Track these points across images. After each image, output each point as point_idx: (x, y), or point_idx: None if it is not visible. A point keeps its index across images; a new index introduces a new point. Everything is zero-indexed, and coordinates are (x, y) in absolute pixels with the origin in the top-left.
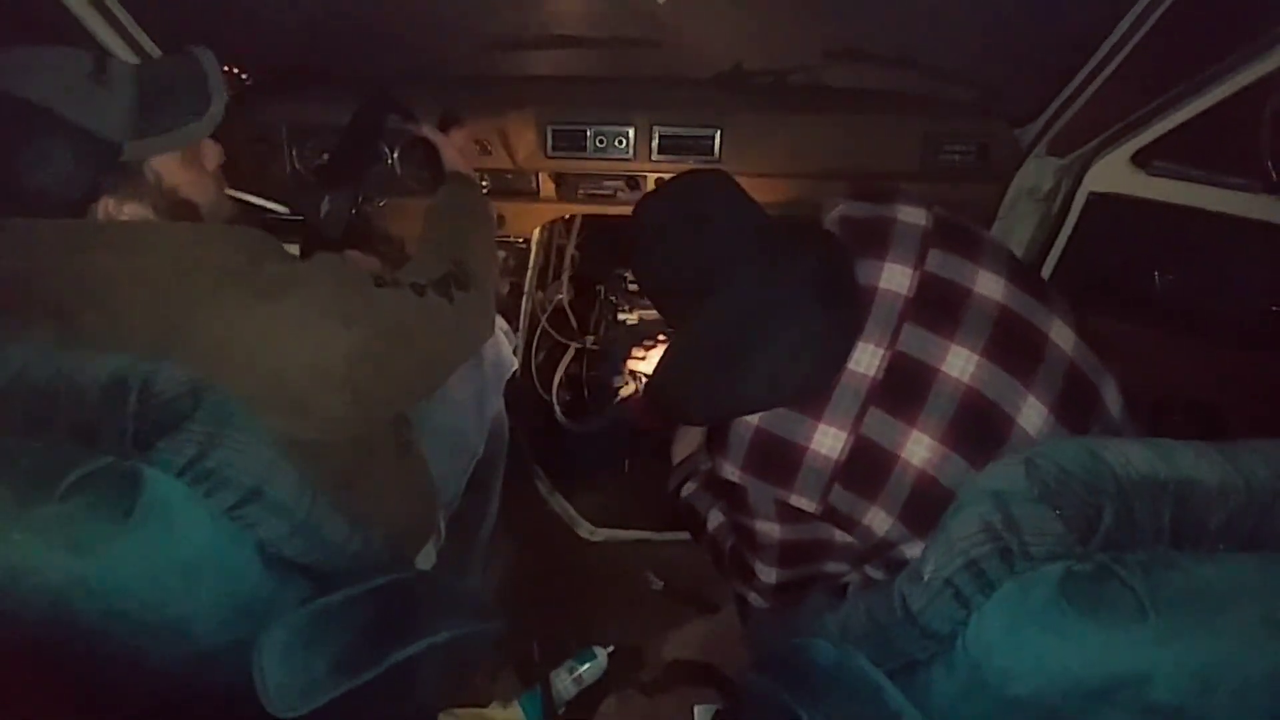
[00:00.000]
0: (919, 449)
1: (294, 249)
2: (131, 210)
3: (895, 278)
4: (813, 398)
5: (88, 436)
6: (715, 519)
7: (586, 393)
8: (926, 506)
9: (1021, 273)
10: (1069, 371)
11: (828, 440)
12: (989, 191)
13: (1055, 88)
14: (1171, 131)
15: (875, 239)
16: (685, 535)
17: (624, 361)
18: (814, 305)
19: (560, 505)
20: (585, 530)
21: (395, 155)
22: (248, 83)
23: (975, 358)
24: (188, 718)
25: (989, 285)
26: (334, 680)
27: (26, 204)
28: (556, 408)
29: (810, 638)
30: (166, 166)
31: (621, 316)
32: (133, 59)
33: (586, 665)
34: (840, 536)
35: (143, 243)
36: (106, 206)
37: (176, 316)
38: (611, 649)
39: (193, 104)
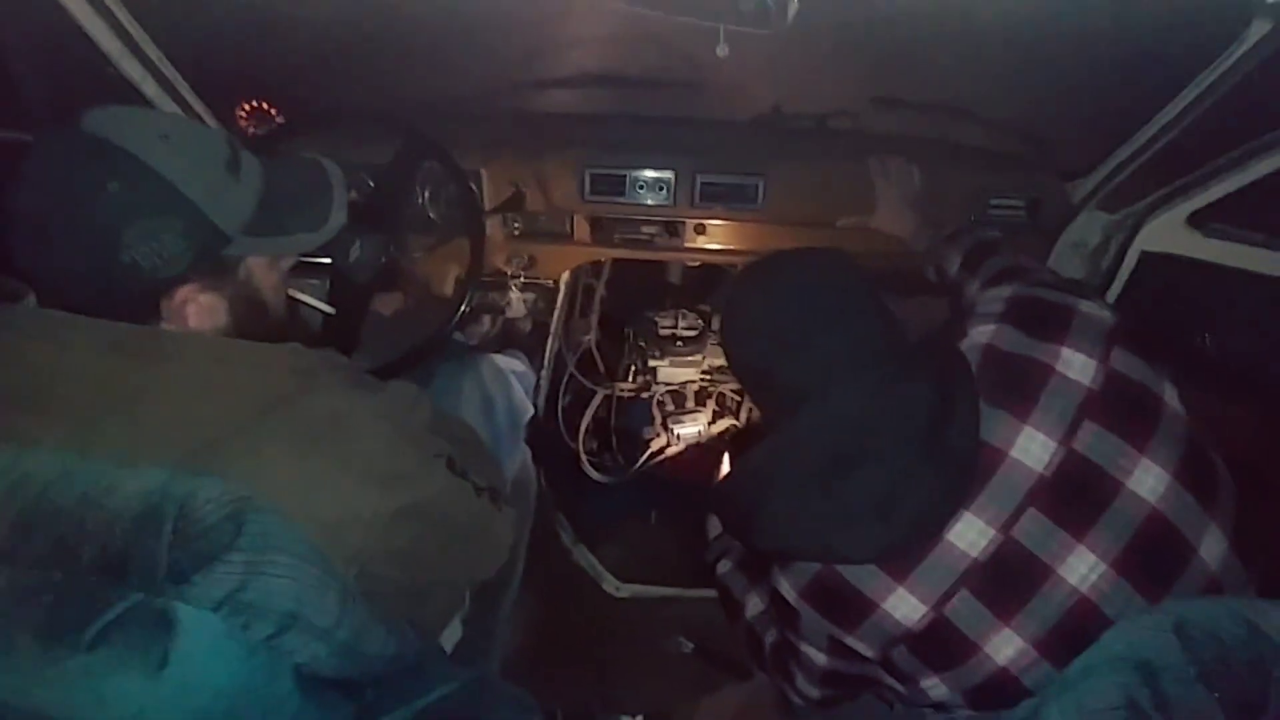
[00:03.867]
0: (1006, 648)
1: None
2: (208, 300)
3: (1034, 448)
4: (897, 558)
5: (117, 570)
6: (754, 606)
7: (615, 441)
8: (1000, 697)
9: (1193, 461)
10: (1207, 589)
11: (904, 608)
12: (1035, 244)
13: (1113, 144)
14: (1233, 193)
15: (1021, 389)
16: (716, 594)
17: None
18: (917, 456)
19: (585, 558)
20: (611, 585)
21: (426, 195)
22: (280, 120)
23: (1102, 567)
24: None
25: (1147, 480)
26: None
27: (114, 276)
28: (584, 457)
29: None
30: (259, 265)
31: (652, 363)
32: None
33: None
34: (891, 680)
35: (187, 353)
36: (186, 293)
37: (208, 438)
38: (640, 719)
39: (310, 215)
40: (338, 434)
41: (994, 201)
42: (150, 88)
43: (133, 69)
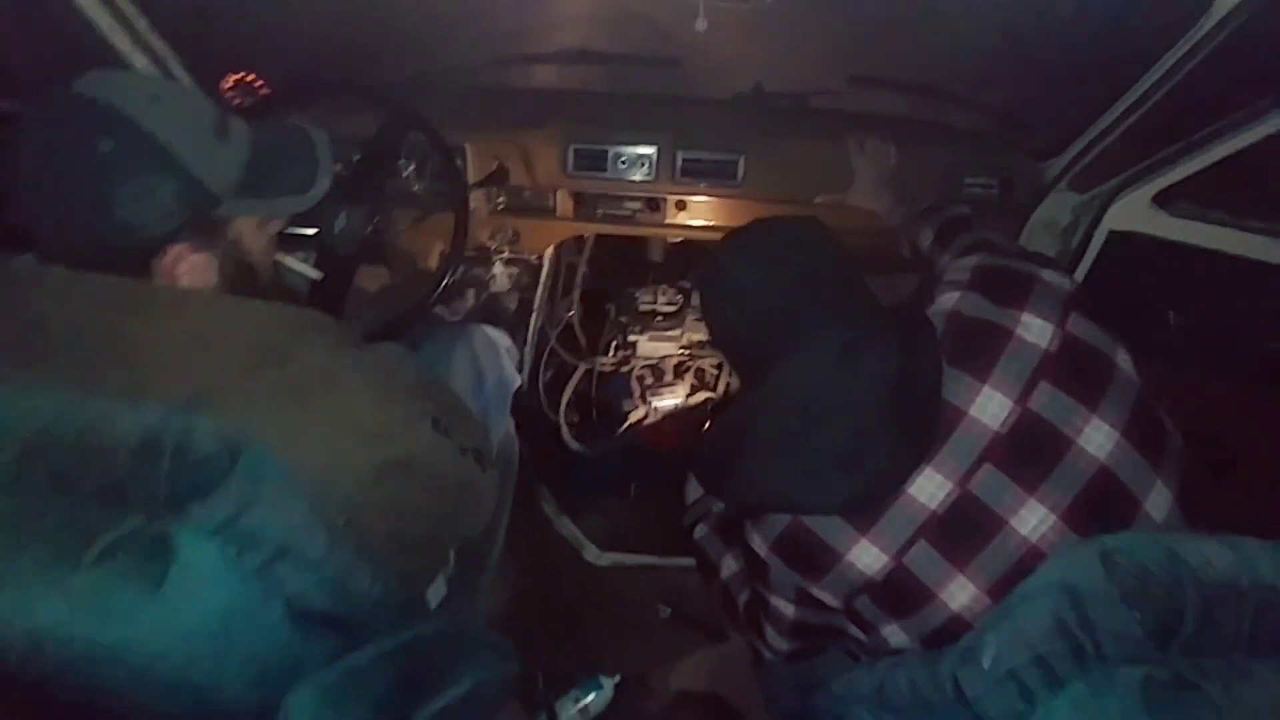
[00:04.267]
0: (961, 594)
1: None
2: (199, 259)
3: (991, 407)
4: (860, 511)
5: (118, 497)
6: (729, 567)
7: (595, 414)
8: (954, 642)
9: (1142, 420)
10: None
11: (866, 558)
12: (1007, 223)
13: (1084, 123)
14: (1196, 173)
15: (982, 352)
16: (694, 561)
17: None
18: (881, 414)
19: (567, 528)
20: (592, 554)
21: (411, 168)
22: (265, 93)
23: (1052, 519)
24: None
25: (1096, 438)
26: None
27: (108, 233)
28: (564, 429)
29: (844, 701)
30: (247, 227)
31: (632, 338)
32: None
33: (592, 695)
34: (855, 630)
35: (183, 308)
36: (178, 251)
37: (201, 388)
38: (618, 679)
39: (296, 178)
40: (326, 389)
41: (968, 180)
42: (139, 59)
43: (121, 41)
